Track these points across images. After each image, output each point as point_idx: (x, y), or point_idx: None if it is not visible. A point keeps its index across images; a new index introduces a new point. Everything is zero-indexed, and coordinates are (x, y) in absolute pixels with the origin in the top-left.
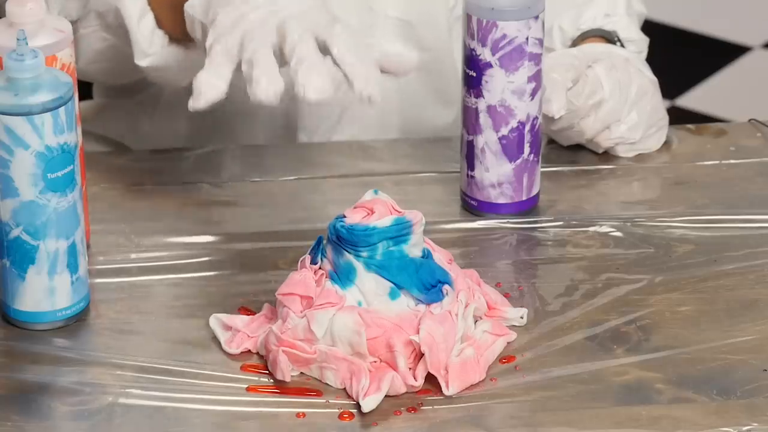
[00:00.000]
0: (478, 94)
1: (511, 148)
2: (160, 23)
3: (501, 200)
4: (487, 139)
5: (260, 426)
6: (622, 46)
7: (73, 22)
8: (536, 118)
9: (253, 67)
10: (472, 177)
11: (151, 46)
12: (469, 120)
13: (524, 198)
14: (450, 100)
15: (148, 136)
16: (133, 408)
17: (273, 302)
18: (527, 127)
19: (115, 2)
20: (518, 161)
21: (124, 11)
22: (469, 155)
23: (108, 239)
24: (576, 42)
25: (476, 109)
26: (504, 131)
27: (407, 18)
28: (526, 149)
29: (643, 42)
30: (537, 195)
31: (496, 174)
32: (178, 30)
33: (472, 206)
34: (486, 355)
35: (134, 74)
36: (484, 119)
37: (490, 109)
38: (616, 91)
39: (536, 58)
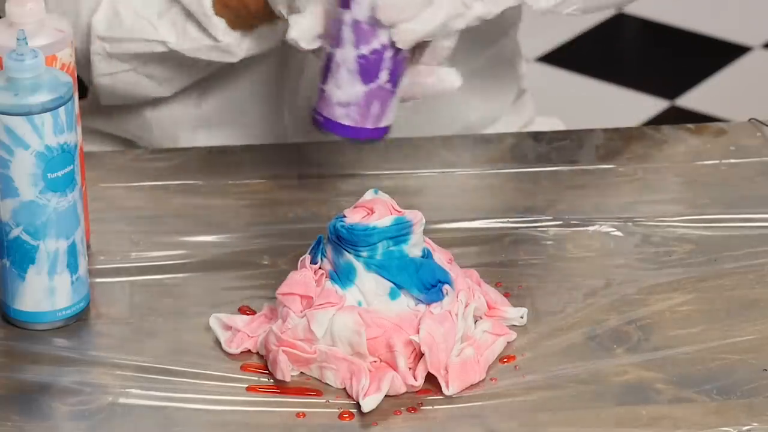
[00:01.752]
0: (346, 5)
1: (367, 69)
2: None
3: (346, 122)
4: (346, 55)
5: (260, 426)
6: None
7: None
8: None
9: None
10: (323, 91)
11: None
12: (332, 31)
13: (370, 126)
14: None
15: (152, 128)
16: (133, 408)
17: (273, 302)
18: (389, 53)
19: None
20: (372, 85)
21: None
22: (325, 68)
23: (108, 239)
24: None
25: (341, 20)
26: (364, 50)
27: None
28: (383, 76)
29: None
30: (386, 129)
31: (346, 93)
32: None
33: (318, 122)
34: (486, 355)
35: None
36: (347, 33)
37: (356, 24)
38: None
39: None
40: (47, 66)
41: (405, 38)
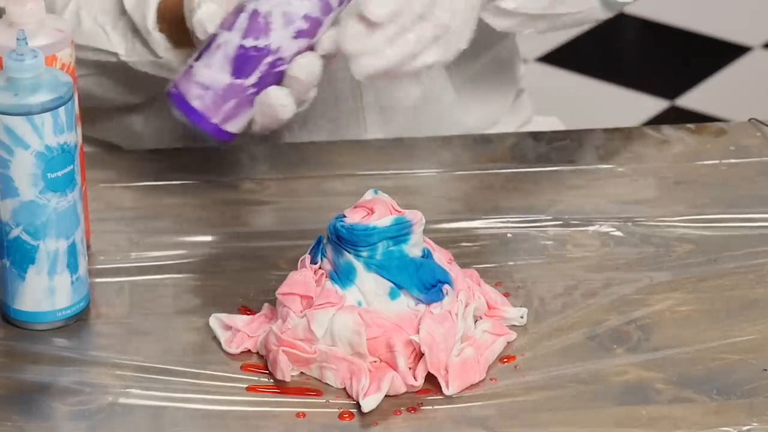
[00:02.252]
0: None
1: (242, 63)
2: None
3: (196, 104)
4: (229, 40)
5: (260, 426)
6: None
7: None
8: (282, 60)
9: None
10: (191, 67)
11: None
12: (230, 16)
13: (216, 121)
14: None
15: (140, 137)
16: (133, 408)
17: (273, 302)
18: (270, 58)
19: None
20: (238, 81)
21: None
22: (205, 47)
23: (108, 239)
24: None
25: (242, 8)
26: (248, 43)
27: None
28: (253, 78)
29: None
30: (230, 135)
31: (210, 76)
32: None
33: (171, 94)
34: (486, 355)
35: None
36: (242, 20)
37: (254, 14)
38: None
39: (324, 9)
40: (47, 66)
41: (362, 71)
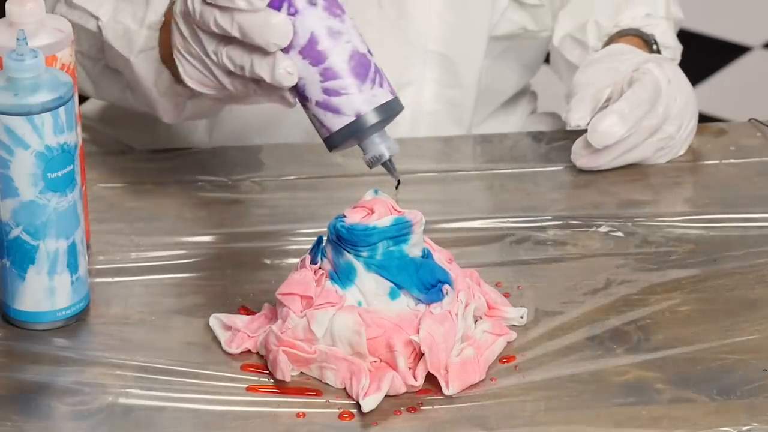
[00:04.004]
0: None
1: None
2: (178, 77)
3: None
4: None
5: (260, 426)
6: (658, 50)
7: (91, 57)
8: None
9: None
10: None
11: (174, 103)
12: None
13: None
14: (466, 126)
15: (162, 142)
16: (133, 408)
17: (273, 302)
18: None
19: (128, 69)
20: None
21: (138, 77)
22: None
23: (108, 239)
24: (612, 38)
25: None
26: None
27: (447, 53)
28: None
29: (678, 50)
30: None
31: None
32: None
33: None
34: (486, 355)
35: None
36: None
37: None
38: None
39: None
40: (47, 66)
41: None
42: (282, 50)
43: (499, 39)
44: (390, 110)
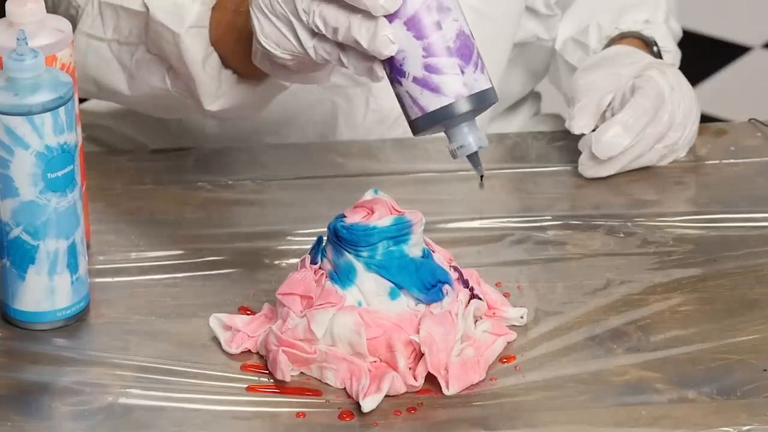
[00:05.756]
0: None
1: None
2: (225, 61)
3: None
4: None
5: (260, 426)
6: (659, 51)
7: (130, 44)
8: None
9: None
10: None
11: (219, 88)
12: None
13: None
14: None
15: (174, 140)
16: (133, 408)
17: (273, 302)
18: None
19: (176, 45)
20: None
21: (186, 55)
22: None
23: (108, 239)
24: (614, 40)
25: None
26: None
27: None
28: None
29: (677, 54)
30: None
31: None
32: (245, 65)
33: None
34: (486, 355)
35: (193, 112)
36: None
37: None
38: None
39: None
40: (47, 66)
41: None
42: (386, 17)
43: (512, 47)
44: (486, 99)
